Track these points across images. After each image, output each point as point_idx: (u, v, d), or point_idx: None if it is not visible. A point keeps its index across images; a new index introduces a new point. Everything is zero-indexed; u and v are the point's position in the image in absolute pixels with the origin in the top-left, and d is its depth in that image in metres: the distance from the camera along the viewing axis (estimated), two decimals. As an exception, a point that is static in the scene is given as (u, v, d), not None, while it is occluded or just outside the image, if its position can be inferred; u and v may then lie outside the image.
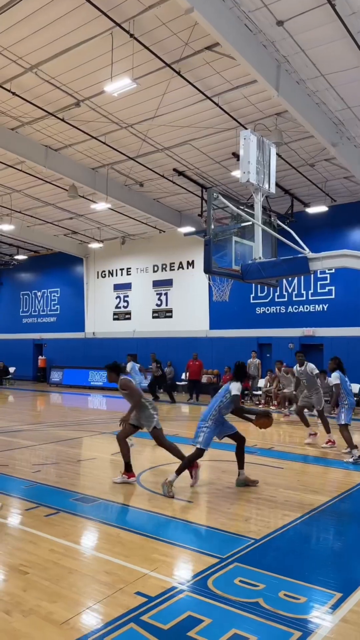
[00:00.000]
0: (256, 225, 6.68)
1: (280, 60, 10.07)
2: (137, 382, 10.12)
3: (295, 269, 6.50)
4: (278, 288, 18.64)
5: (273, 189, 7.05)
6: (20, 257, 26.37)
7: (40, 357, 27.71)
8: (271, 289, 19.18)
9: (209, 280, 7.77)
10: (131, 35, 9.36)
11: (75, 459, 8.60)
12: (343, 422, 8.32)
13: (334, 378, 8.57)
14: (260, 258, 6.70)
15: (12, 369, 27.07)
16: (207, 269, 6.41)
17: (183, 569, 4.22)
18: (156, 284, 23.14)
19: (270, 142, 7.40)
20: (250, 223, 6.98)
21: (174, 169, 15.74)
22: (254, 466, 7.78)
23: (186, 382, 19.28)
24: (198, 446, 6.35)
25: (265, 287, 19.39)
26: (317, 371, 10.19)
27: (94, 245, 23.38)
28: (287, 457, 8.79)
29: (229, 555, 4.42)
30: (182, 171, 15.83)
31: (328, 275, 18.13)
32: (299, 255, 6.34)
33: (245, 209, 7.02)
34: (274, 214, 7.73)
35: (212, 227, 6.65)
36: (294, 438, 11.04)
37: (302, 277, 18.06)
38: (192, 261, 21.72)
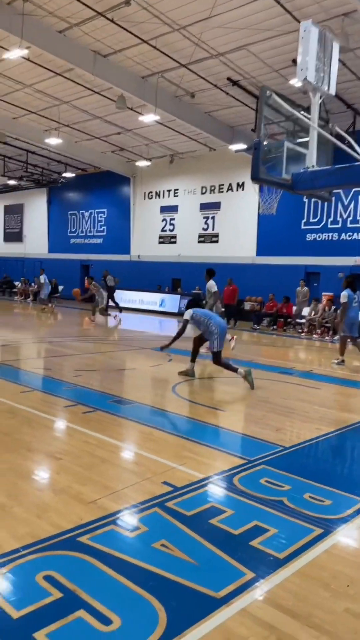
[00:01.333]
0: (311, 129, 6.17)
1: None
2: None
3: (352, 179, 6.04)
4: (332, 213, 17.75)
5: (333, 90, 6.44)
6: (68, 174, 26.08)
7: (86, 277, 28.07)
8: (324, 213, 18.29)
9: (256, 191, 7.36)
10: None
11: (115, 368, 8.81)
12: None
13: (343, 297, 9.79)
14: (313, 166, 6.24)
15: (60, 288, 27.69)
16: (255, 176, 6.03)
17: (210, 466, 4.29)
18: (203, 206, 22.52)
19: (333, 37, 6.66)
20: (304, 129, 6.46)
21: (228, 78, 14.74)
22: (291, 386, 7.75)
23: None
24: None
25: (319, 212, 18.50)
26: None
27: (142, 164, 22.75)
28: (326, 380, 8.68)
29: (257, 458, 4.45)
30: (236, 80, 14.81)
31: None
32: (356, 164, 5.86)
33: (302, 112, 6.47)
34: (332, 121, 7.10)
35: (263, 130, 6.19)
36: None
37: None
38: (242, 183, 20.84)
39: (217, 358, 7.42)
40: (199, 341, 7.92)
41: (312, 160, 6.22)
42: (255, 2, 11.08)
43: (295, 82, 6.36)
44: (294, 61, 12.99)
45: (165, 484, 3.82)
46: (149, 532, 3.12)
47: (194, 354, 7.97)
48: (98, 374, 8.11)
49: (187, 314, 7.67)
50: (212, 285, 11.35)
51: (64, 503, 3.43)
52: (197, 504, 3.53)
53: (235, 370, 7.31)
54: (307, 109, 6.41)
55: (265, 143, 6.36)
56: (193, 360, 7.97)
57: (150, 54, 13.75)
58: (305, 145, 6.56)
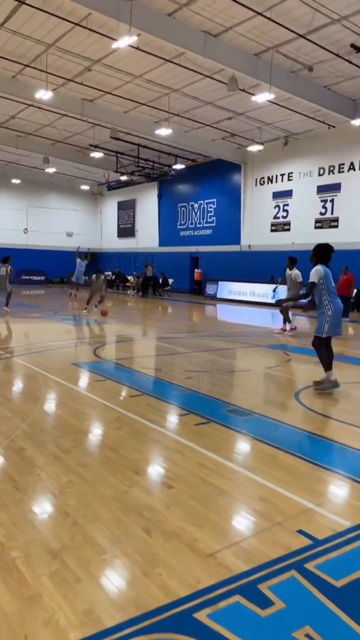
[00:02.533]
0: None
1: None
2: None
3: None
4: None
5: None
6: (178, 166, 25.79)
7: (196, 269, 27.76)
8: None
9: None
10: None
11: (228, 369, 8.09)
12: None
13: None
14: None
15: (170, 281, 27.68)
16: None
17: (358, 511, 3.38)
18: (321, 189, 20.89)
19: None
20: None
21: (352, 45, 13.20)
22: None
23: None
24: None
25: None
26: None
27: (254, 148, 21.68)
28: None
29: None
30: (361, 46, 13.22)
31: None
32: None
33: None
34: None
35: None
36: None
37: None
38: (366, 161, 18.93)
39: (317, 343, 6.36)
40: (318, 342, 6.40)
41: None
42: None
43: None
44: None
45: (301, 533, 3.01)
46: (286, 610, 2.34)
47: (327, 359, 6.40)
48: (210, 375, 7.44)
49: (316, 275, 6.12)
50: (297, 275, 10.50)
51: (176, 554, 2.76)
52: (347, 567, 2.68)
53: (326, 368, 6.28)
54: None
55: None
56: (328, 367, 6.41)
57: (265, 27, 12.70)
58: None
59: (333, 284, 6.35)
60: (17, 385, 6.66)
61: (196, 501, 3.38)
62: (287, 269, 12.17)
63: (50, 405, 5.59)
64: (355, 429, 5.03)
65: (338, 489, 3.66)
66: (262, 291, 21.47)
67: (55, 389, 6.33)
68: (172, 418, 5.24)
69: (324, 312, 6.25)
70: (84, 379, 7.00)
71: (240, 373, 7.78)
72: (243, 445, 4.52)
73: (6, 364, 7.89)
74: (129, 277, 29.69)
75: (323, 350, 6.36)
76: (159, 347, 9.71)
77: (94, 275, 16.02)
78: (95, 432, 4.71)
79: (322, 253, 6.38)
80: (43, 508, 3.28)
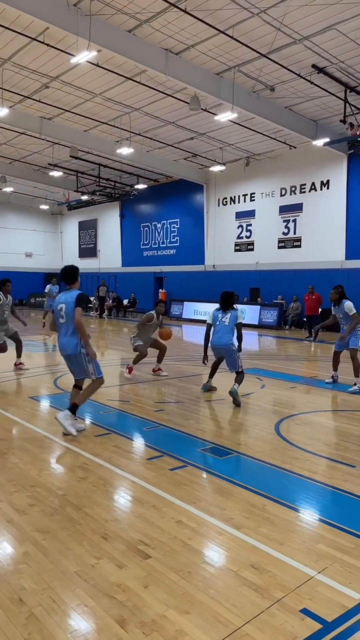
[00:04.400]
0: None
1: None
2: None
3: None
4: None
5: None
6: (140, 186, 25.47)
7: (160, 290, 27.32)
8: None
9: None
10: None
11: (200, 398, 7.58)
12: None
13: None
14: None
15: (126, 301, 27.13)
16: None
17: (367, 577, 2.91)
18: (283, 209, 20.96)
19: None
20: None
21: (313, 65, 13.26)
22: None
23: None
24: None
25: None
26: None
27: (216, 169, 21.61)
28: None
29: None
30: (322, 67, 13.30)
31: None
32: None
33: None
34: None
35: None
36: None
37: None
38: (327, 181, 19.12)
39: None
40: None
41: None
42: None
43: None
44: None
45: (306, 614, 2.51)
46: None
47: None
48: (182, 407, 6.91)
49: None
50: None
51: (159, 657, 2.20)
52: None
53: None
54: None
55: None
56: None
57: (227, 46, 12.58)
58: None
59: None
60: (-33, 426, 5.93)
61: (178, 574, 2.83)
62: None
63: (2, 450, 4.92)
64: (349, 469, 4.59)
65: (341, 549, 3.18)
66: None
67: (10, 430, 5.66)
68: (144, 462, 4.67)
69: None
70: (42, 416, 6.34)
71: (214, 403, 7.28)
72: (227, 496, 3.97)
73: None
74: (91, 299, 28.94)
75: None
76: (124, 374, 9.10)
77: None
78: (56, 485, 4.09)
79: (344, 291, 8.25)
80: (-10, 596, 2.66)
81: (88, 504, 3.72)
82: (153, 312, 8.95)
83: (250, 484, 4.16)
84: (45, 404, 6.94)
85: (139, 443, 5.33)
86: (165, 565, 2.93)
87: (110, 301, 27.28)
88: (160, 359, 9.26)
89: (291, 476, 4.41)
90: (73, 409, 5.37)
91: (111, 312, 27.13)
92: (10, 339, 9.10)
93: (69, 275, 5.42)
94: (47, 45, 12.41)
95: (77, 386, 5.62)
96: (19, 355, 9.39)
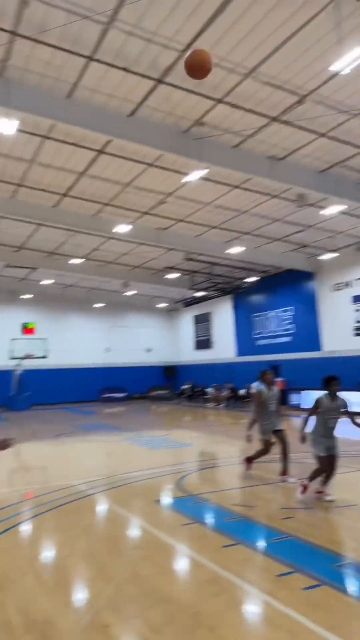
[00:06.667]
0: None
1: None
2: None
3: None
4: None
5: None
6: (251, 279, 26.23)
7: (277, 378, 26.89)
8: None
9: None
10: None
11: (328, 503, 7.14)
12: None
13: None
14: None
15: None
16: None
17: None
18: None
19: None
20: None
21: None
22: None
23: None
24: None
25: None
26: None
27: (326, 257, 21.69)
28: None
29: None
30: None
31: None
32: None
33: None
34: None
35: None
36: None
37: None
38: None
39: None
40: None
41: None
42: None
43: None
44: None
45: None
46: None
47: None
48: (311, 513, 6.56)
49: None
50: None
51: None
52: None
53: None
54: None
55: None
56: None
57: (329, 146, 13.16)
58: None
59: None
60: (98, 532, 6.16)
61: None
62: None
63: (135, 560, 5.02)
64: None
65: None
66: (351, 399, 20.05)
67: (138, 537, 5.78)
68: (275, 580, 4.47)
69: None
70: (168, 522, 6.40)
71: (346, 509, 6.81)
72: (368, 623, 3.67)
73: (85, 503, 7.46)
74: (208, 390, 29.29)
75: None
76: (249, 474, 8.90)
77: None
78: (189, 601, 4.06)
79: None
80: None
81: (222, 624, 3.65)
82: (257, 385, 8.43)
83: None
84: (169, 509, 6.99)
85: (267, 557, 5.13)
86: None
87: (226, 392, 27.35)
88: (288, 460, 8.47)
89: None
90: None
91: (228, 402, 27.08)
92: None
93: None
94: (162, 168, 13.94)
95: None
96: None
